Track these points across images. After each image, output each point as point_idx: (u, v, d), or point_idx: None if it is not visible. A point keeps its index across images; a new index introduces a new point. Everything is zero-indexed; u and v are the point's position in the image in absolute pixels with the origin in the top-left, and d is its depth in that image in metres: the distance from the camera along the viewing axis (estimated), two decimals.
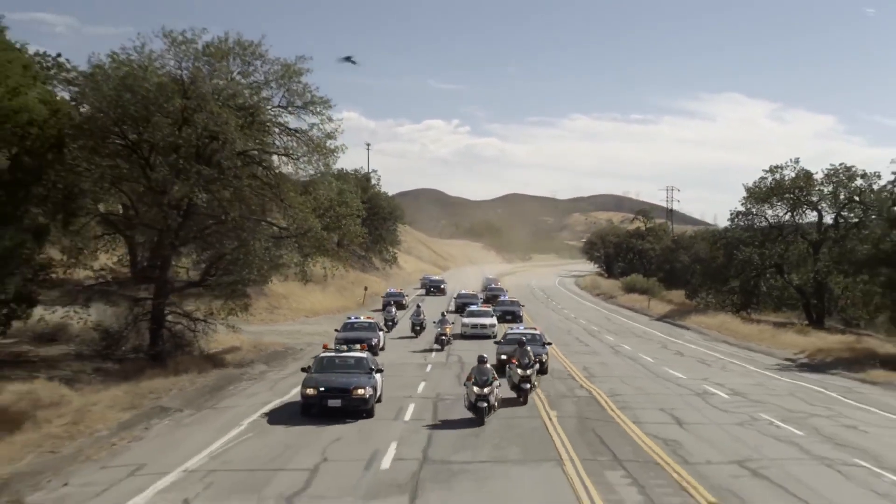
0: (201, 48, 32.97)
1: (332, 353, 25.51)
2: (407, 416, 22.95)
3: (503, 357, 29.66)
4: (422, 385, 28.74)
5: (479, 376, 22.51)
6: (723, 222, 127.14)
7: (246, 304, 35.70)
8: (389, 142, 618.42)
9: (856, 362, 36.36)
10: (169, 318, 33.69)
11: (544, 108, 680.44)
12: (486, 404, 22.11)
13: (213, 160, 31.52)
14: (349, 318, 41.66)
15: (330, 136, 33.84)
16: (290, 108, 34.38)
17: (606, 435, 20.34)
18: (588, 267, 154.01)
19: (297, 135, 33.68)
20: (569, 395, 26.89)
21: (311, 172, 34.60)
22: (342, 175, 34.77)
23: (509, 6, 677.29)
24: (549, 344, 34.63)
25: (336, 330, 39.46)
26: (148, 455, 18.25)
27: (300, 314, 55.63)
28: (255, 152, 33.42)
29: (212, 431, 20.78)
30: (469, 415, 22.10)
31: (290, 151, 34.65)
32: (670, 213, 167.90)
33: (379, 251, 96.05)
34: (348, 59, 45.71)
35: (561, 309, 72.56)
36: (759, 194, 68.21)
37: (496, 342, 34.52)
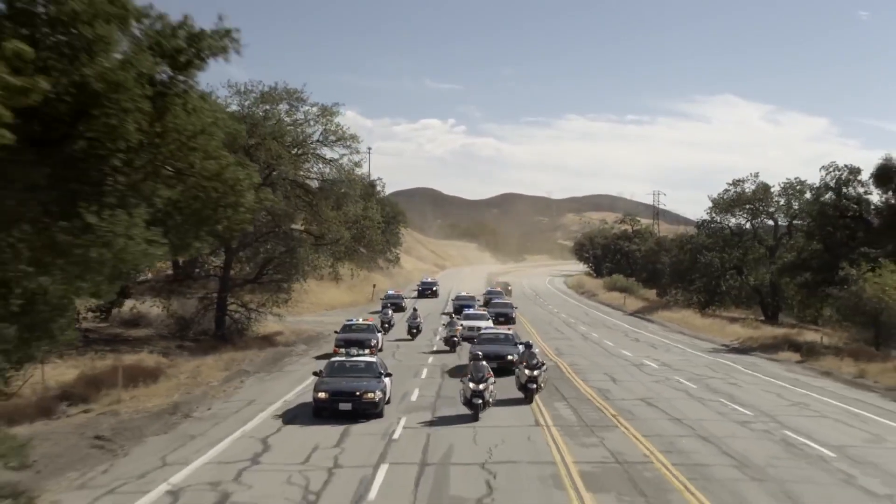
0: (259, 96, 42.23)
1: (343, 358, 26.46)
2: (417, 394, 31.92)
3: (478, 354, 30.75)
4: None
5: (474, 373, 23.55)
6: None
7: (286, 299, 45.02)
8: (386, 141, 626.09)
9: (774, 347, 45.65)
10: (231, 307, 42.91)
11: (540, 108, 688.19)
12: (480, 400, 23.14)
13: (269, 185, 40.71)
14: (348, 321, 42.20)
15: (357, 164, 43.13)
16: (325, 142, 43.60)
17: (561, 387, 29.52)
18: (578, 267, 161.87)
19: (331, 163, 42.86)
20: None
21: (343, 192, 43.76)
22: (352, 181, 42.29)
23: (506, 8, 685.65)
24: (523, 344, 33.93)
25: (336, 332, 40.69)
26: (253, 395, 27.40)
27: (320, 308, 64.70)
28: (300, 177, 42.65)
29: (287, 384, 29.90)
30: (465, 410, 23.32)
31: (325, 176, 43.92)
32: (656, 216, 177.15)
33: (383, 252, 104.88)
34: None
35: (546, 305, 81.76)
36: (722, 205, 77.68)
37: (472, 343, 35.87)
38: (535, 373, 26.05)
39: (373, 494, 15.37)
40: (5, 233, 10.90)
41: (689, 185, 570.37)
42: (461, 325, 43.36)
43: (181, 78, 12.48)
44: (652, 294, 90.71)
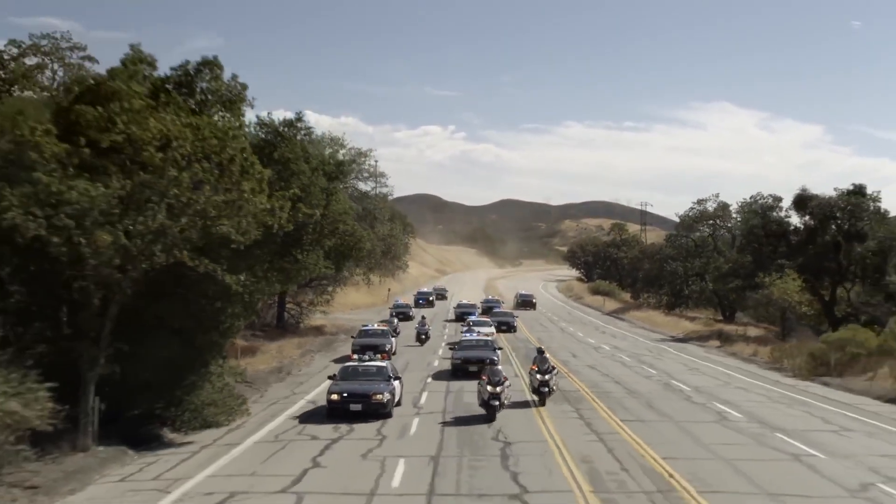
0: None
1: (356, 363, 28.52)
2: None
3: (457, 362, 35.06)
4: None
5: (491, 377, 24.89)
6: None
7: (328, 300, 58.03)
8: (387, 147, 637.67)
9: (707, 337, 58.64)
10: (288, 305, 55.85)
11: (539, 115, 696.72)
12: (497, 402, 24.51)
13: None
14: (364, 326, 45.51)
15: (384, 198, 56.11)
16: (360, 177, 56.67)
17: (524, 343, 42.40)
18: (572, 273, 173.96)
19: (368, 196, 55.81)
20: (523, 347, 48.98)
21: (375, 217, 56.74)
22: (382, 208, 54.39)
23: (505, 16, 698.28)
24: (501, 349, 38.89)
25: (352, 337, 44.09)
26: (323, 364, 40.28)
27: (346, 307, 77.48)
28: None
29: (343, 357, 42.84)
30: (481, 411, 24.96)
31: (363, 204, 56.94)
32: (643, 225, 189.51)
33: (393, 258, 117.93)
34: None
35: (537, 306, 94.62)
36: (687, 221, 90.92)
37: (450, 348, 38.38)
38: (547, 377, 27.40)
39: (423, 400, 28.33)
40: (261, 268, 23.85)
41: (685, 191, 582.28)
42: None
43: (332, 185, 25.07)
44: (629, 297, 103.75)
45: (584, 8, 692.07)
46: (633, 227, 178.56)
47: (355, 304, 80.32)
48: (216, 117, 24.94)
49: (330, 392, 26.02)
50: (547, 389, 27.41)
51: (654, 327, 70.71)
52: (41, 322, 22.16)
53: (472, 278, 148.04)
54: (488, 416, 24.44)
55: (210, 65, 24.50)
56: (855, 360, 38.23)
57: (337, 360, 41.67)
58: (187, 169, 20.42)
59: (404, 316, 64.95)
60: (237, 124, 22.98)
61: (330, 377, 28.07)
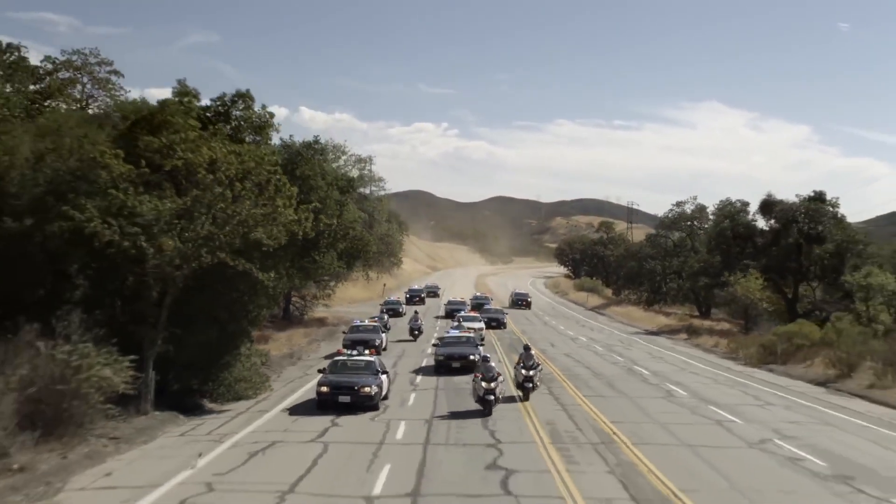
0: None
1: (345, 357, 29.24)
2: None
3: (440, 359, 35.96)
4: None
5: (485, 373, 25.78)
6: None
7: (329, 294, 62.89)
8: (380, 143, 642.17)
9: (677, 331, 63.74)
10: (294, 298, 60.69)
11: (531, 113, 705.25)
12: (492, 397, 25.44)
13: None
14: (355, 322, 46.97)
15: (383, 200, 60.95)
16: (361, 183, 61.47)
17: (519, 348, 47.36)
18: (560, 270, 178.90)
19: (367, 198, 60.68)
20: (507, 338, 53.97)
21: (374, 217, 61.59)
22: (381, 210, 59.23)
23: (498, 16, 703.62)
24: (483, 345, 41.09)
25: (343, 332, 46.26)
26: (328, 350, 45.08)
27: (344, 301, 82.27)
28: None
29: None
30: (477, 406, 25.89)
31: (360, 206, 61.81)
32: (630, 224, 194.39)
33: (389, 256, 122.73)
34: None
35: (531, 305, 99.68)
36: (667, 222, 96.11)
37: (434, 344, 40.27)
38: (532, 373, 28.37)
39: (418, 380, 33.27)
40: (284, 266, 28.79)
41: (675, 190, 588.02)
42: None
43: (344, 197, 29.91)
44: (612, 294, 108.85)
45: (577, 9, 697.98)
46: (622, 225, 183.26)
47: (353, 299, 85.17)
48: (247, 138, 29.93)
49: (319, 384, 26.98)
50: (531, 385, 28.37)
51: (632, 322, 75.84)
52: (100, 310, 26.98)
53: (463, 275, 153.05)
54: (485, 412, 25.44)
55: (243, 97, 29.44)
56: (799, 350, 43.32)
57: (331, 356, 46.67)
58: (230, 187, 25.35)
59: (394, 312, 65.58)
60: (271, 151, 27.80)
61: (320, 370, 29.01)
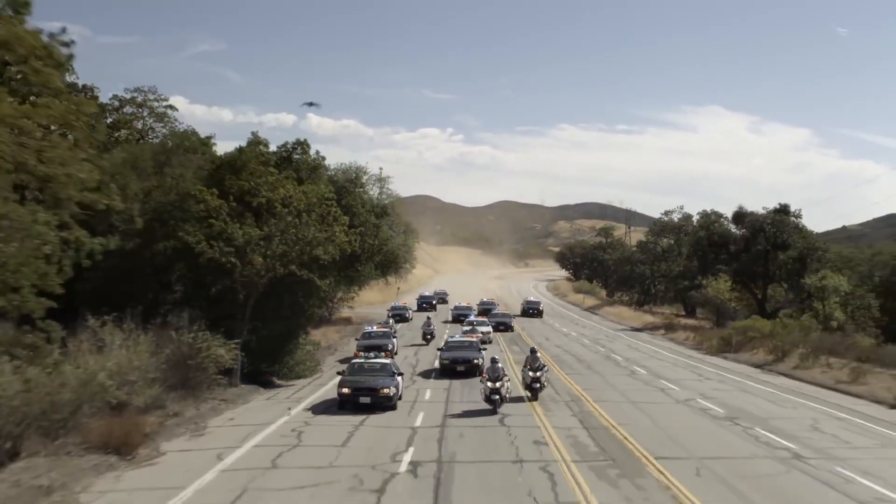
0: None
1: (363, 360, 30.77)
2: None
3: (445, 362, 37.68)
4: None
5: (492, 374, 27.08)
6: None
7: (353, 297, 71.69)
8: (386, 149, 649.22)
9: (659, 328, 72.38)
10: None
11: (534, 118, 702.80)
12: (498, 396, 26.82)
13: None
14: (367, 329, 49.88)
15: (401, 215, 69.55)
16: (381, 199, 70.10)
17: (517, 343, 56.15)
18: (562, 273, 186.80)
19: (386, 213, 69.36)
20: (508, 336, 62.69)
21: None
22: (398, 223, 67.80)
23: (501, 22, 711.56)
24: (485, 348, 42.82)
25: (356, 339, 48.90)
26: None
27: (363, 303, 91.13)
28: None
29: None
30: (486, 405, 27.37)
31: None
32: (628, 228, 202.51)
33: (404, 263, 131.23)
34: (310, 104, 66.20)
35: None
36: (655, 229, 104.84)
37: (438, 349, 41.22)
38: (539, 374, 29.63)
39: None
40: (333, 275, 37.60)
41: (677, 193, 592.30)
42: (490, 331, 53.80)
43: (379, 221, 38.71)
44: (606, 295, 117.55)
45: (578, 14, 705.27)
46: (623, 229, 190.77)
47: (371, 301, 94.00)
48: (303, 174, 38.77)
49: (341, 385, 28.32)
50: (538, 385, 29.76)
51: (621, 320, 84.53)
52: (193, 309, 35.75)
53: (469, 279, 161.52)
54: (492, 410, 26.96)
55: (302, 144, 38.35)
56: (751, 341, 51.97)
57: (347, 360, 55.36)
58: (299, 217, 34.20)
59: (401, 318, 67.80)
60: (328, 189, 36.67)
61: (339, 373, 30.40)
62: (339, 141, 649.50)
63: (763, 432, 24.56)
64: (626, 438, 23.00)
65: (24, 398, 18.56)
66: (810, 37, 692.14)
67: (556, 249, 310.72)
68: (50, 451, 20.22)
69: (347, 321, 68.98)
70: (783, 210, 74.65)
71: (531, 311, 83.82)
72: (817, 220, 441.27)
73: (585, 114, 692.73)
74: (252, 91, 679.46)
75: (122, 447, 20.77)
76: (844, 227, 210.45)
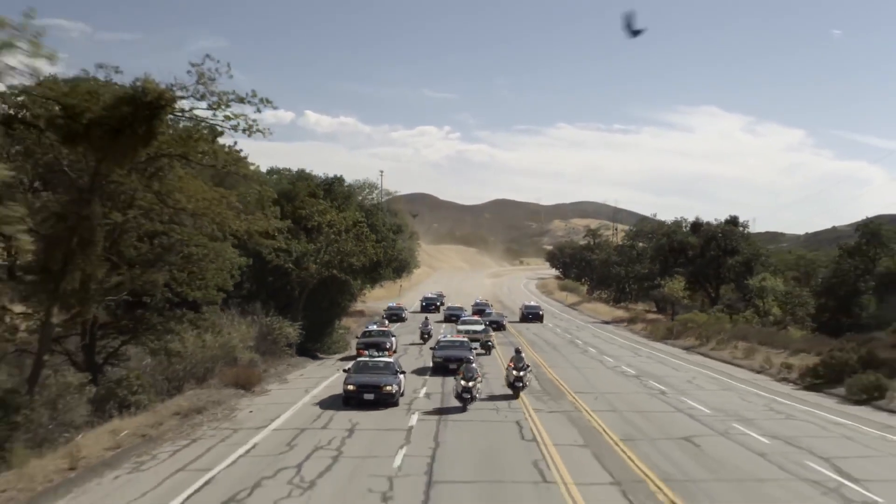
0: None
1: (367, 359, 32.15)
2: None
3: (438, 360, 39.83)
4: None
5: (466, 373, 28.50)
6: None
7: (365, 293, 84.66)
8: (384, 146, 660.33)
9: (625, 321, 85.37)
10: None
11: (531, 117, 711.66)
12: (468, 395, 28.18)
13: None
14: (368, 327, 53.88)
15: (408, 225, 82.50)
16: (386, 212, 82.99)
17: (505, 333, 69.13)
18: (553, 272, 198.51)
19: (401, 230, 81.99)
20: (500, 334, 75.58)
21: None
22: (404, 232, 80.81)
23: (500, 22, 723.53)
24: (474, 349, 44.08)
25: (357, 337, 52.40)
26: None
27: (372, 298, 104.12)
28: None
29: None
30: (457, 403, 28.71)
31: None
32: (614, 229, 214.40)
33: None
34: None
35: (513, 299, 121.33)
36: (631, 234, 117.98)
37: (431, 348, 43.47)
38: (522, 373, 30.74)
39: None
40: (362, 276, 50.67)
41: (673, 192, 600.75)
42: (492, 333, 56.33)
43: (395, 236, 51.72)
44: (592, 294, 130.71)
45: (577, 15, 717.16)
46: (619, 227, 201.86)
47: (377, 297, 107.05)
48: (339, 201, 51.69)
49: (346, 383, 29.65)
50: (521, 384, 31.01)
51: (595, 315, 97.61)
52: (257, 302, 48.63)
53: (465, 277, 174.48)
54: (462, 408, 28.05)
55: (339, 179, 51.29)
56: (690, 331, 64.92)
57: (349, 357, 68.28)
58: (339, 235, 47.13)
59: (397, 318, 72.52)
60: (361, 214, 49.68)
61: (344, 370, 31.97)
62: (336, 138, 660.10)
63: (652, 383, 37.67)
64: (561, 385, 36.07)
65: (200, 353, 31.54)
66: (805, 39, 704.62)
67: (550, 248, 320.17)
68: (203, 387, 33.18)
69: (361, 313, 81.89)
70: (733, 222, 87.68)
71: (530, 315, 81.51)
72: (810, 222, 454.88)
73: (582, 113, 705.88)
74: (251, 87, 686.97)
75: (246, 385, 33.75)
76: (834, 228, 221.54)
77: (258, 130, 23.49)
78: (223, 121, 23.64)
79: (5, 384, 22.13)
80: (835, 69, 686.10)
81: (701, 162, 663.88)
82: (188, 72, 22.56)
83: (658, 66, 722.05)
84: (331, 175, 51.53)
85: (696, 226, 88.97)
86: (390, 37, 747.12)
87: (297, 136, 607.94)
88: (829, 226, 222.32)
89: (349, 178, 73.86)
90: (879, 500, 17.56)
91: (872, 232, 74.48)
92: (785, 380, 40.45)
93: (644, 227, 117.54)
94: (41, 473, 18.66)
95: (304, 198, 47.91)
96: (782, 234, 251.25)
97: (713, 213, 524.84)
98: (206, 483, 18.70)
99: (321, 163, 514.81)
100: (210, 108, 23.85)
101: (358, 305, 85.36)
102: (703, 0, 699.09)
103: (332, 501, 17.27)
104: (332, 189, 50.44)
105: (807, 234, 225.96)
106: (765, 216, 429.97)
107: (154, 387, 28.99)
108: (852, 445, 23.85)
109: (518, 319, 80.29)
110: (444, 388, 34.42)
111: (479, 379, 29.15)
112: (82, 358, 27.90)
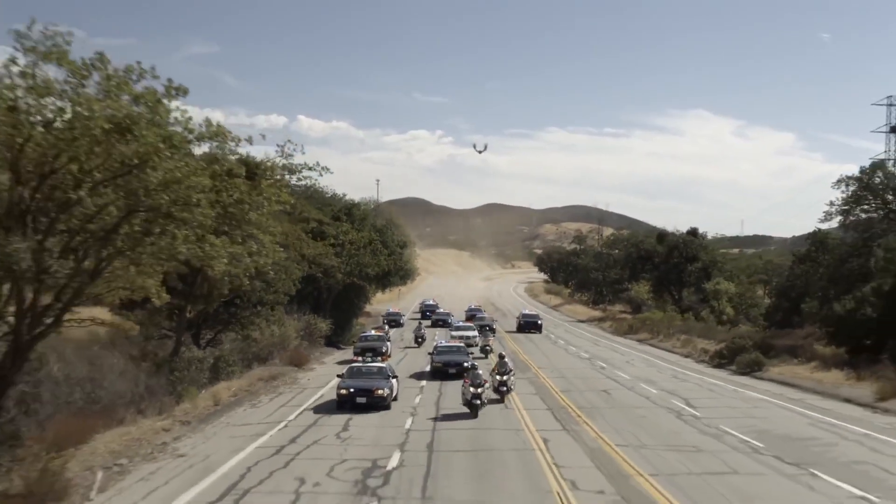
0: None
1: (360, 364, 33.65)
2: None
3: (437, 365, 41.29)
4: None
5: (473, 380, 28.92)
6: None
7: (368, 298, 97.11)
8: (377, 150, 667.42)
9: (598, 320, 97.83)
10: None
11: (523, 120, 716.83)
12: (479, 401, 28.55)
13: None
14: (364, 333, 56.39)
15: (407, 241, 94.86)
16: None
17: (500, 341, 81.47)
18: (542, 276, 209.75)
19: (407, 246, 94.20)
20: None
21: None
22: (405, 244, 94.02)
23: (492, 26, 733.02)
24: (471, 354, 45.14)
25: (353, 341, 55.08)
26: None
27: (375, 302, 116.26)
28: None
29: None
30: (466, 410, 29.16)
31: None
32: (600, 235, 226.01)
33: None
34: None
35: (501, 301, 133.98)
36: (608, 243, 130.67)
37: (429, 353, 44.64)
38: (505, 378, 31.54)
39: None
40: (374, 282, 63.00)
41: (664, 195, 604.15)
42: (493, 337, 59.37)
43: (402, 250, 64.12)
44: (573, 297, 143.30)
45: (568, 19, 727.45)
46: (608, 231, 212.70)
47: (380, 300, 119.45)
48: (356, 222, 64.07)
49: (339, 387, 30.46)
50: (505, 388, 31.61)
51: (574, 315, 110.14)
52: (300, 303, 60.89)
53: (458, 280, 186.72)
54: (472, 414, 28.18)
55: (357, 205, 63.69)
56: (646, 326, 77.39)
57: (346, 361, 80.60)
58: (358, 249, 59.49)
59: (395, 323, 76.89)
60: (375, 234, 62.13)
61: (339, 375, 32.58)
62: (329, 143, 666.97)
63: (599, 363, 50.20)
64: (530, 364, 48.53)
65: (268, 340, 43.91)
66: (794, 42, 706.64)
67: (540, 252, 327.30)
68: (268, 365, 45.45)
69: (367, 314, 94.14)
70: (693, 233, 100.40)
71: (529, 326, 77.24)
72: (799, 225, 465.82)
73: (574, 117, 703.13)
74: (244, 93, 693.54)
75: (298, 364, 46.06)
76: (820, 231, 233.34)
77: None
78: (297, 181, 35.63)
79: (163, 355, 34.42)
80: (824, 73, 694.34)
81: (692, 165, 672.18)
82: (276, 150, 34.70)
83: (648, 70, 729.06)
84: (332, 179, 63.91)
85: (662, 236, 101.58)
86: (382, 41, 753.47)
87: (290, 139, 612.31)
88: (815, 228, 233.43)
89: (342, 183, 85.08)
90: (698, 413, 29.99)
91: (820, 240, 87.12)
92: (702, 361, 53.01)
93: (620, 235, 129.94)
94: (202, 405, 30.97)
95: (330, 221, 60.22)
96: (770, 238, 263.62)
97: (704, 216, 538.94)
98: (301, 412, 30.92)
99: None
100: (289, 172, 35.75)
101: (365, 307, 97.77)
102: (693, 5, 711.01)
103: (379, 415, 29.57)
104: (352, 212, 62.79)
105: (794, 236, 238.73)
106: (755, 219, 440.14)
107: (237, 363, 41.26)
108: (706, 393, 36.60)
109: (515, 329, 77.66)
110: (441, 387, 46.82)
111: (487, 385, 29.86)
112: (191, 342, 40.18)
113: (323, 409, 31.17)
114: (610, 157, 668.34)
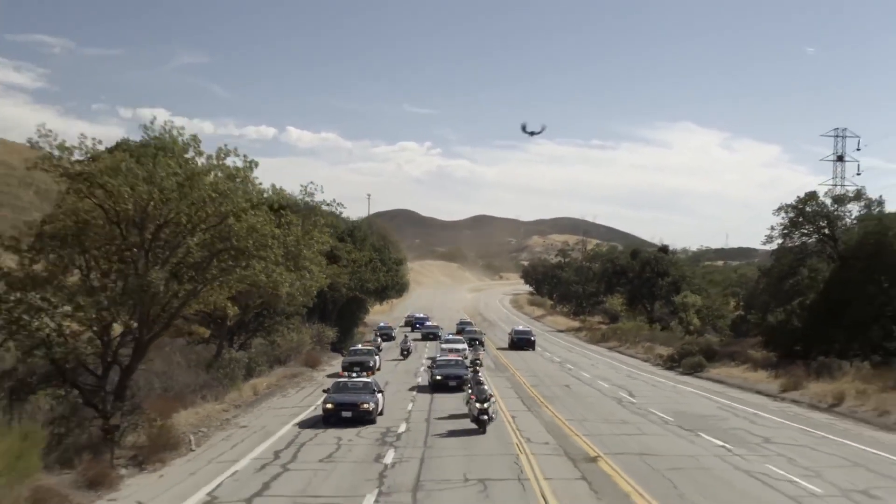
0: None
1: (346, 379, 33.94)
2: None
3: (438, 378, 42.46)
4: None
5: (479, 395, 28.54)
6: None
7: (367, 310, 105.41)
8: (366, 161, 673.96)
9: (576, 330, 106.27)
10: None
11: (511, 132, 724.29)
12: (486, 416, 28.12)
13: None
14: (353, 347, 58.01)
15: (403, 258, 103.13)
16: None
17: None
18: (527, 288, 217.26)
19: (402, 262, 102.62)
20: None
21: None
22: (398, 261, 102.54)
23: (480, 38, 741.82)
24: (468, 367, 42.48)
25: (343, 354, 57.58)
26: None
27: (370, 312, 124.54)
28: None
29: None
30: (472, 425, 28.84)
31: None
32: (584, 248, 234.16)
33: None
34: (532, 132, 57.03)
35: (488, 313, 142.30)
36: (588, 257, 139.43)
37: (429, 367, 47.20)
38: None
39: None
40: (373, 295, 71.38)
41: (651, 207, 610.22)
42: (483, 350, 61.26)
43: (398, 267, 72.62)
44: (555, 308, 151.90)
45: (556, 32, 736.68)
46: (592, 244, 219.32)
47: (374, 311, 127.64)
48: (357, 243, 72.40)
49: (325, 402, 30.60)
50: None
51: (554, 325, 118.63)
52: (309, 314, 69.10)
53: (447, 291, 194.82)
54: (480, 430, 27.83)
55: (358, 226, 72.04)
56: (616, 335, 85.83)
57: (333, 375, 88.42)
58: (360, 268, 67.83)
59: (387, 336, 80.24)
60: (374, 254, 70.52)
61: (324, 390, 32.65)
62: (318, 153, 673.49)
63: (568, 365, 58.71)
64: (508, 366, 56.91)
65: (287, 345, 52.19)
66: (779, 55, 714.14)
67: (527, 264, 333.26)
68: (286, 366, 53.63)
69: (365, 324, 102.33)
70: (663, 250, 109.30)
71: (522, 343, 74.81)
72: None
73: (562, 129, 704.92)
74: (233, 103, 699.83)
75: (312, 365, 54.35)
76: (804, 244, 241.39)
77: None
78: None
79: (209, 357, 42.66)
80: (808, 86, 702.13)
81: (679, 177, 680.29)
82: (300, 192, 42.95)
83: (635, 83, 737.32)
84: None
85: (635, 253, 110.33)
86: (372, 53, 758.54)
87: (280, 152, 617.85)
88: (799, 242, 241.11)
89: (331, 194, 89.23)
90: (635, 401, 38.42)
91: (777, 258, 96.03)
92: (658, 364, 61.52)
93: (599, 250, 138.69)
94: (245, 395, 39.21)
95: (334, 243, 68.33)
96: (755, 250, 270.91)
97: (692, 228, 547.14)
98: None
99: (303, 178, 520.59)
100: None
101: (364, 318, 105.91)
102: (680, 19, 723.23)
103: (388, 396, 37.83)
104: (353, 234, 71.11)
105: (779, 246, 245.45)
106: (741, 230, 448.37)
107: (264, 364, 49.46)
108: (649, 387, 45.13)
109: (507, 346, 75.85)
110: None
111: (492, 399, 29.26)
112: (226, 346, 48.39)
113: None
114: (598, 168, 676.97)
